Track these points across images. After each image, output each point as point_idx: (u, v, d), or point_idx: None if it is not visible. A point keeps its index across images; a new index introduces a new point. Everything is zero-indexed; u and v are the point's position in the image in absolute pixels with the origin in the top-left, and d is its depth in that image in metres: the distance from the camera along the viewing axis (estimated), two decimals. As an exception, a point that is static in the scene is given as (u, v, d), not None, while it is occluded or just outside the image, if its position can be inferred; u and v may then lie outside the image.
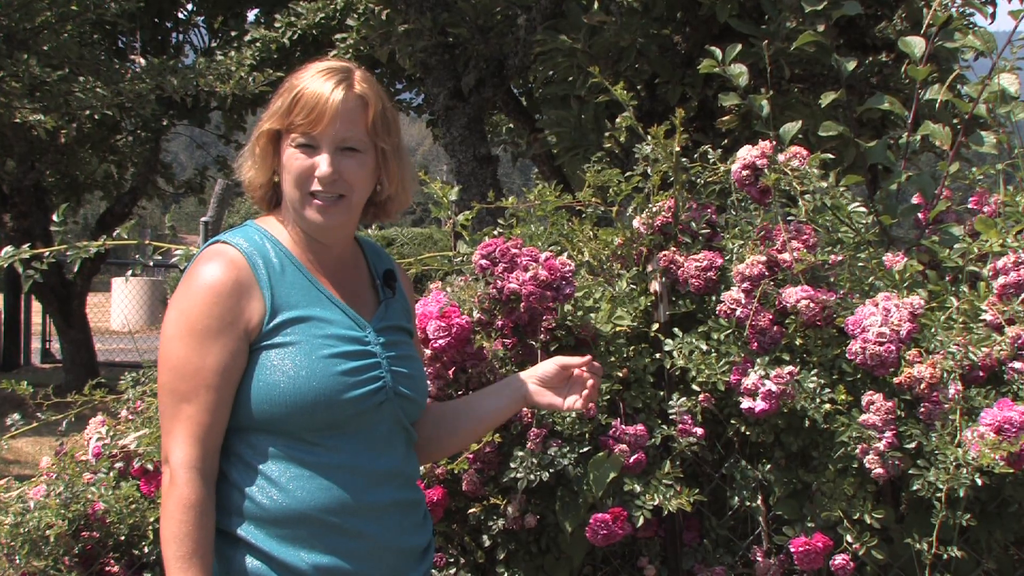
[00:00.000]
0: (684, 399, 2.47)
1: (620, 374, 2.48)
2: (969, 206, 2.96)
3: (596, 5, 6.05)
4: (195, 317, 1.73)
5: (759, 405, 2.38)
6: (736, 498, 2.50)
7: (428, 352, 2.40)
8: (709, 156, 2.71)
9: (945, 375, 2.35)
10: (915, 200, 3.02)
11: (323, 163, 1.78)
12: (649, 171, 2.69)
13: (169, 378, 1.74)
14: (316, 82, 1.79)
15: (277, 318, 1.75)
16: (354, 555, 1.77)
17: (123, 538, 2.50)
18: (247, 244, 1.79)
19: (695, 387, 2.48)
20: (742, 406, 2.42)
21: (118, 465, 2.57)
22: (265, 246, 1.81)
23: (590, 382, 1.98)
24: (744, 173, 2.60)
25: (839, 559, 2.37)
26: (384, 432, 1.82)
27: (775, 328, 2.46)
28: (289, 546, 1.73)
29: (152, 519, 2.47)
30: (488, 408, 2.03)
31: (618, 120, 2.77)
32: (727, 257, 2.59)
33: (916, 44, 2.99)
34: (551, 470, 2.38)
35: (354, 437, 1.78)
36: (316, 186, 1.79)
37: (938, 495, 2.28)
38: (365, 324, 1.83)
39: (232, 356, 1.72)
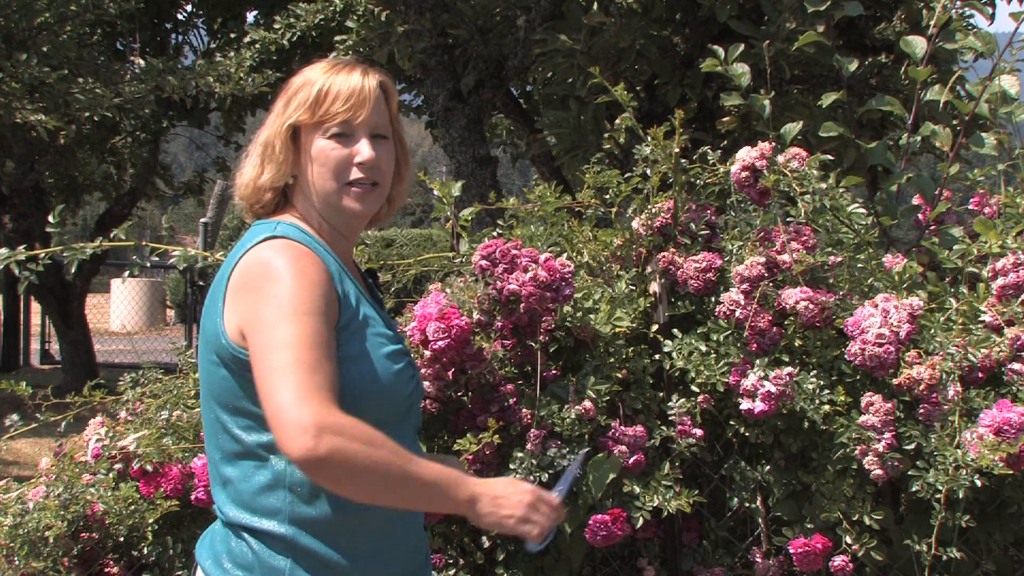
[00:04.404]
0: (683, 400, 2.47)
1: (619, 375, 2.48)
2: (970, 207, 2.96)
3: (595, 6, 6.04)
4: (296, 300, 1.63)
5: (758, 406, 2.38)
6: (735, 499, 2.50)
7: (428, 353, 2.40)
8: (708, 157, 2.71)
9: (944, 376, 2.35)
10: (915, 201, 3.02)
11: (364, 149, 1.77)
12: (648, 172, 2.69)
13: (283, 355, 1.59)
14: (342, 73, 1.80)
15: (346, 314, 1.73)
16: (394, 555, 1.75)
17: (122, 539, 2.50)
18: (308, 241, 1.75)
19: (694, 388, 2.48)
20: (741, 407, 2.41)
21: (117, 466, 2.57)
22: (316, 245, 1.77)
23: None
24: (743, 174, 2.60)
25: (838, 560, 2.37)
26: (412, 430, 1.84)
27: (774, 329, 2.46)
28: (335, 545, 1.69)
29: (151, 520, 2.47)
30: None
31: (617, 121, 2.77)
32: (726, 258, 2.59)
33: (917, 44, 2.99)
34: (550, 471, 2.38)
35: (395, 433, 1.72)
36: (356, 174, 1.78)
37: (937, 496, 2.28)
38: (393, 323, 1.86)
39: (333, 336, 1.67)
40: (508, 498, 1.64)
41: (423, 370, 2.42)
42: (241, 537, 1.71)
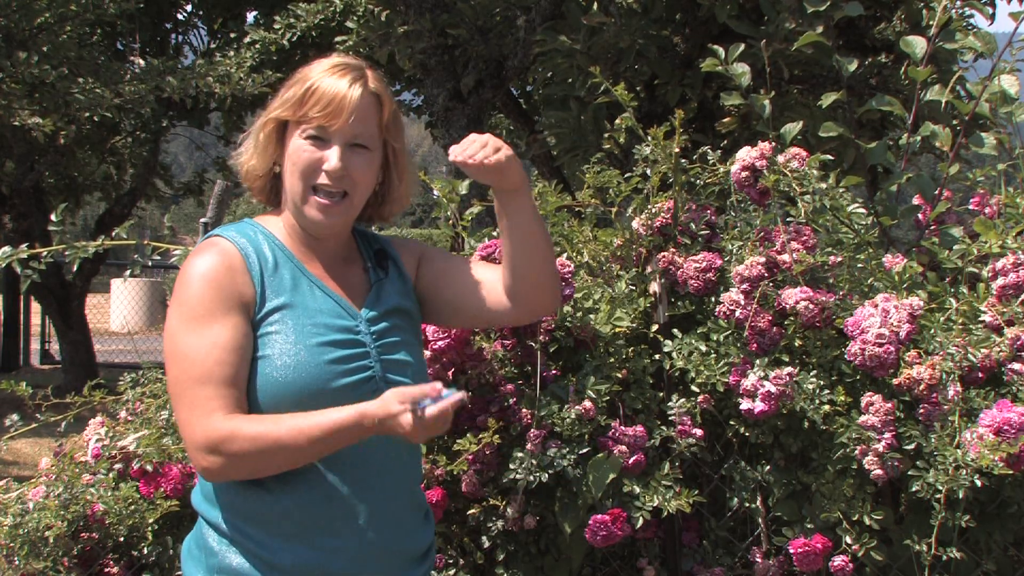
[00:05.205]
0: (683, 400, 2.47)
1: (619, 375, 2.48)
2: (970, 207, 2.96)
3: (595, 6, 6.04)
4: (193, 304, 1.72)
5: (758, 406, 2.38)
6: (735, 499, 2.50)
7: (428, 353, 2.40)
8: (708, 157, 2.71)
9: (944, 376, 2.35)
10: (915, 201, 3.02)
11: (332, 157, 1.78)
12: (648, 172, 2.69)
13: (180, 369, 1.71)
14: (332, 77, 1.80)
15: (265, 307, 1.75)
16: (342, 554, 1.75)
17: (122, 539, 2.50)
18: (240, 237, 1.81)
19: (694, 388, 2.48)
20: (741, 407, 2.41)
21: (117, 466, 2.57)
22: (259, 239, 1.82)
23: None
24: (743, 174, 2.60)
25: (838, 560, 2.37)
26: None
27: (774, 329, 2.46)
28: (275, 542, 1.73)
29: (151, 520, 2.47)
30: (514, 227, 1.93)
31: (617, 121, 2.77)
32: (726, 258, 2.59)
33: (917, 44, 2.99)
34: (550, 471, 2.38)
35: None
36: (322, 179, 1.79)
37: (937, 496, 2.28)
38: (356, 314, 1.82)
39: (238, 332, 1.72)
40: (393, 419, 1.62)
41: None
42: (201, 523, 1.82)
